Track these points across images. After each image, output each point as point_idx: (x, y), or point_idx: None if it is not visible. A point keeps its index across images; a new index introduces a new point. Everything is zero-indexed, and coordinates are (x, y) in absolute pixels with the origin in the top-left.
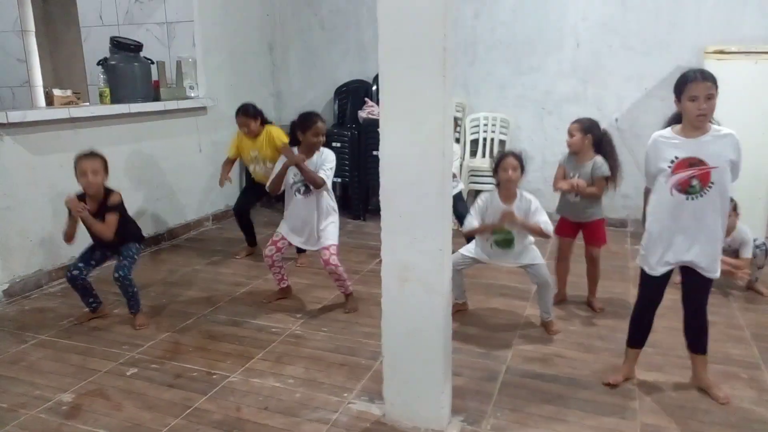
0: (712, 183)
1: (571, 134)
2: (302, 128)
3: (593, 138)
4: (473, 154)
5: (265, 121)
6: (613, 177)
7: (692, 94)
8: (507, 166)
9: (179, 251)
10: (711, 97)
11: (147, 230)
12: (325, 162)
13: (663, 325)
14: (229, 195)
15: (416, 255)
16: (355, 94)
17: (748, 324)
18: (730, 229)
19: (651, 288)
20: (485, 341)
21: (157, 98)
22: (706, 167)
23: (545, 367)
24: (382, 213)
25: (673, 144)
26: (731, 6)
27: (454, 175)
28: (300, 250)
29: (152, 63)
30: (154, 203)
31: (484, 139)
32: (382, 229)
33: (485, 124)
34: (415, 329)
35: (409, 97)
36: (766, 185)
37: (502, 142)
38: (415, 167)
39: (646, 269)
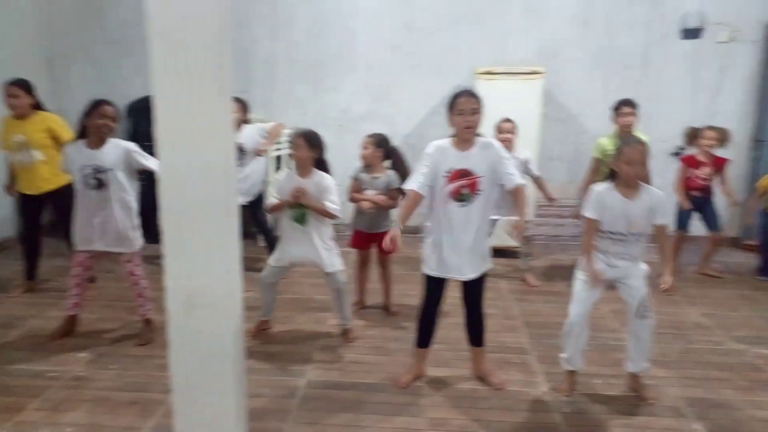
0: (480, 191)
1: (364, 147)
2: (87, 113)
3: (384, 152)
4: (277, 169)
5: (40, 107)
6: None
7: (460, 108)
8: (295, 144)
9: None
10: (475, 112)
11: None
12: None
13: (450, 321)
14: None
15: (203, 279)
16: (150, 111)
17: (520, 313)
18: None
19: (432, 289)
20: (287, 357)
21: None
22: (474, 177)
23: (344, 376)
24: (164, 237)
25: (450, 155)
26: (498, 33)
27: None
28: (91, 280)
29: None
30: None
31: (289, 156)
32: (164, 253)
33: (288, 141)
34: (206, 357)
35: (187, 116)
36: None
37: None
38: (197, 188)
39: (427, 271)
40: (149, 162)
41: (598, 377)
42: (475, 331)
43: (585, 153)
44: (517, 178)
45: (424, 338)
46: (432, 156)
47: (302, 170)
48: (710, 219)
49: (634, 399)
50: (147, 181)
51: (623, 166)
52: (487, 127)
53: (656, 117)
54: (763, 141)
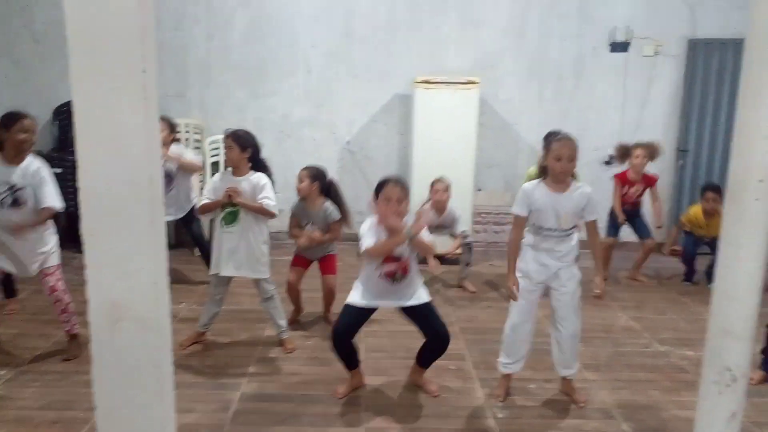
0: (410, 270)
1: (300, 180)
2: (5, 126)
3: (321, 185)
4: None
5: None
6: (345, 219)
7: (387, 196)
8: (226, 145)
9: None
10: (402, 201)
11: None
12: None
13: (388, 329)
14: None
15: (128, 291)
16: None
17: (458, 319)
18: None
19: (353, 317)
20: (221, 370)
21: None
22: (404, 261)
23: (280, 388)
24: (85, 247)
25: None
26: (436, 43)
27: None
28: (10, 295)
29: None
30: None
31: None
32: (86, 265)
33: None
34: (131, 372)
35: (109, 122)
36: (468, 191)
37: None
38: (120, 196)
39: (354, 301)
40: (48, 198)
41: (533, 381)
42: (431, 357)
43: (520, 161)
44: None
45: (348, 362)
46: (369, 228)
47: (237, 171)
48: (641, 229)
49: (566, 402)
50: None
51: (552, 162)
52: (422, 134)
53: (588, 126)
54: (686, 150)
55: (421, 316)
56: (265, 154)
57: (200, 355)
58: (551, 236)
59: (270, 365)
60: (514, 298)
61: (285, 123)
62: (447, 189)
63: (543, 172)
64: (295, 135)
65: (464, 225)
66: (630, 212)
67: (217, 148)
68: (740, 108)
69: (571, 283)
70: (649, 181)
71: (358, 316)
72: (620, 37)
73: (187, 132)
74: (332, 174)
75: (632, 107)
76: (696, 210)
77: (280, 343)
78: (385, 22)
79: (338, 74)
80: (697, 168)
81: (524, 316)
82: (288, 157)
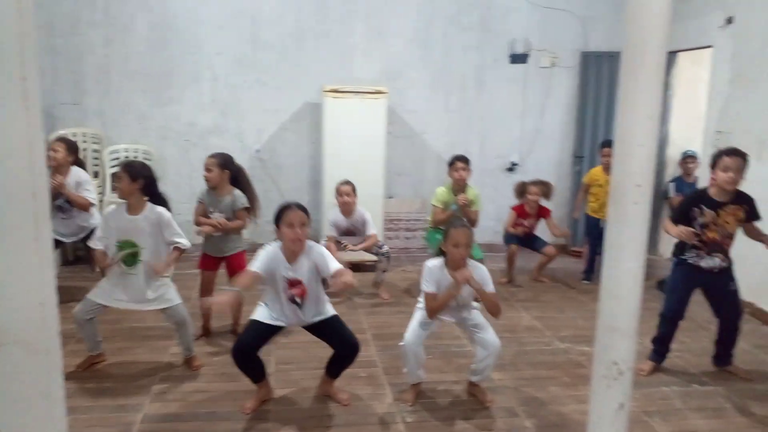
0: (309, 295)
1: (208, 169)
2: None
3: (230, 173)
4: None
5: None
6: (252, 208)
7: (289, 221)
8: (118, 177)
9: None
10: (304, 224)
11: None
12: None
13: (299, 340)
14: None
15: (11, 313)
16: None
17: (370, 326)
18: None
19: (258, 332)
20: (122, 392)
21: None
22: (304, 286)
23: (185, 407)
24: None
25: (282, 265)
26: (344, 53)
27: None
28: None
29: None
30: None
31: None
32: None
33: (126, 156)
34: (18, 400)
35: None
36: (379, 199)
37: None
38: (1, 213)
39: (260, 318)
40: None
41: (441, 384)
42: (340, 368)
43: (429, 169)
44: (335, 265)
45: (254, 376)
46: (267, 259)
47: (131, 207)
48: (537, 243)
49: (473, 402)
50: None
51: (451, 248)
52: (332, 142)
53: (491, 134)
54: (582, 157)
55: (328, 330)
56: (172, 163)
57: (99, 376)
58: (453, 308)
59: (174, 384)
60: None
61: (191, 131)
62: (352, 191)
63: (442, 253)
64: (202, 143)
65: (374, 227)
66: (524, 236)
67: (117, 158)
68: (618, 118)
69: (475, 315)
70: (544, 213)
71: (264, 332)
72: (519, 49)
73: (84, 142)
74: None
75: (532, 116)
76: (596, 169)
77: (186, 361)
78: (293, 30)
79: (246, 82)
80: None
81: (419, 339)
82: (195, 167)
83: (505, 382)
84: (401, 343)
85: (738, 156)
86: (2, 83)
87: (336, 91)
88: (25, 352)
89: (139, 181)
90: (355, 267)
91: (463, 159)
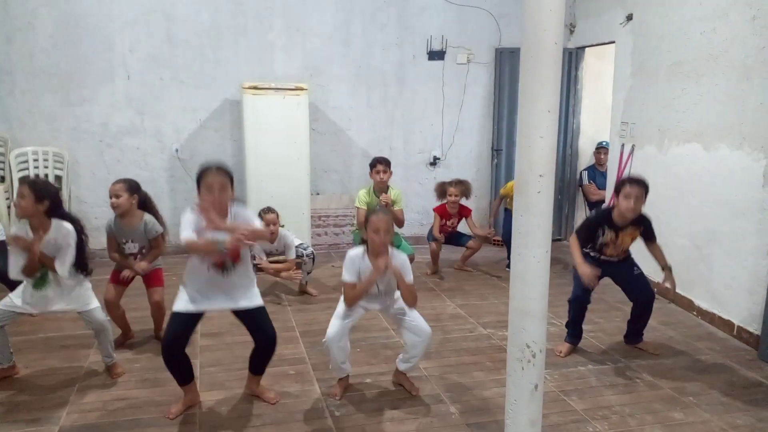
0: (242, 258)
1: (116, 195)
2: None
3: (138, 197)
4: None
5: None
6: (164, 230)
7: (208, 183)
8: (20, 194)
9: None
10: (224, 189)
11: None
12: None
13: (225, 341)
14: None
15: None
16: None
17: (298, 323)
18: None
19: (180, 324)
20: (37, 405)
21: None
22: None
23: (105, 416)
24: None
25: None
26: (262, 49)
27: None
28: None
29: None
30: None
31: (36, 176)
32: None
33: (35, 159)
34: None
35: None
36: (305, 195)
37: (58, 178)
38: None
39: (180, 308)
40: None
41: (369, 376)
42: (262, 362)
43: (355, 164)
44: (258, 224)
45: (181, 376)
46: (193, 224)
47: (34, 227)
48: (461, 239)
49: (401, 392)
50: None
51: (371, 234)
52: (254, 140)
53: (413, 130)
54: (500, 150)
55: (253, 319)
56: (86, 166)
57: (11, 390)
58: (375, 296)
59: (94, 393)
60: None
61: (105, 132)
62: (276, 220)
63: (363, 242)
64: (117, 144)
65: (297, 244)
66: (448, 236)
67: (25, 161)
68: (520, 111)
69: (400, 304)
70: (465, 212)
71: (187, 322)
72: (436, 46)
73: None
74: (163, 183)
75: (451, 111)
76: (511, 184)
77: (107, 369)
78: (209, 27)
79: (162, 80)
80: (510, 165)
81: (342, 331)
82: (112, 168)
83: (431, 371)
84: (323, 340)
85: (638, 185)
86: None
87: (256, 87)
88: None
89: (45, 203)
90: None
91: (384, 161)
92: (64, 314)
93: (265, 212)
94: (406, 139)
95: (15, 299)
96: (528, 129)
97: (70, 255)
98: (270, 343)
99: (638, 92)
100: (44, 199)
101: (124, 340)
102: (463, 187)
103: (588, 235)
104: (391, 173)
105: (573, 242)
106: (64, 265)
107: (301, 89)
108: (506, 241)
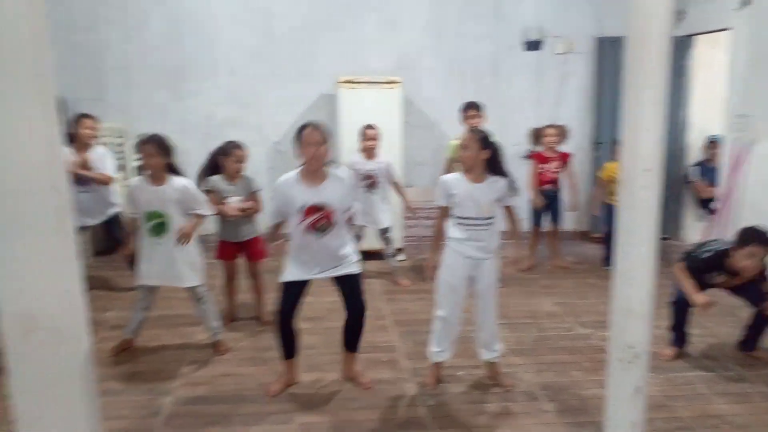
0: (336, 221)
1: (240, 160)
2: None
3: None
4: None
5: None
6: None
7: (306, 140)
8: (146, 152)
9: None
10: (321, 144)
11: None
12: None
13: (324, 325)
14: None
15: (39, 301)
16: None
17: (390, 312)
18: None
19: (289, 295)
20: (152, 376)
21: None
22: (328, 211)
23: (212, 390)
24: None
25: (301, 190)
26: (357, 43)
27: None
28: None
29: None
30: None
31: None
32: None
33: (136, 150)
34: (50, 383)
35: (4, 131)
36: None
37: None
38: (24, 207)
39: (287, 277)
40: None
41: (462, 369)
42: (353, 335)
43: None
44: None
45: (288, 348)
46: (281, 192)
47: (156, 178)
48: (555, 214)
49: (493, 387)
50: None
51: (461, 153)
52: (348, 133)
53: (507, 122)
54: (601, 143)
55: (348, 285)
56: (191, 156)
57: (130, 361)
58: (472, 226)
59: (202, 368)
60: (431, 278)
61: (209, 125)
62: (377, 136)
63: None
64: (221, 136)
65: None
66: (550, 194)
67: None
68: (625, 103)
69: (492, 274)
70: (564, 158)
71: (295, 290)
72: (533, 36)
73: (108, 136)
74: (263, 174)
75: (547, 103)
76: (611, 165)
77: (213, 345)
78: (305, 22)
79: (262, 74)
80: (612, 158)
81: (452, 308)
82: None
83: (526, 367)
84: (436, 314)
85: (765, 245)
86: (17, 80)
87: (350, 81)
88: (55, 339)
89: (168, 156)
90: (370, 255)
91: (475, 105)
92: (176, 293)
93: (366, 127)
94: (499, 131)
95: (143, 275)
96: (633, 122)
97: (199, 196)
98: (359, 314)
99: (756, 83)
100: (167, 152)
101: (229, 321)
102: (560, 129)
103: (698, 277)
104: (483, 117)
105: (680, 272)
106: (203, 206)
107: (395, 83)
108: (605, 238)
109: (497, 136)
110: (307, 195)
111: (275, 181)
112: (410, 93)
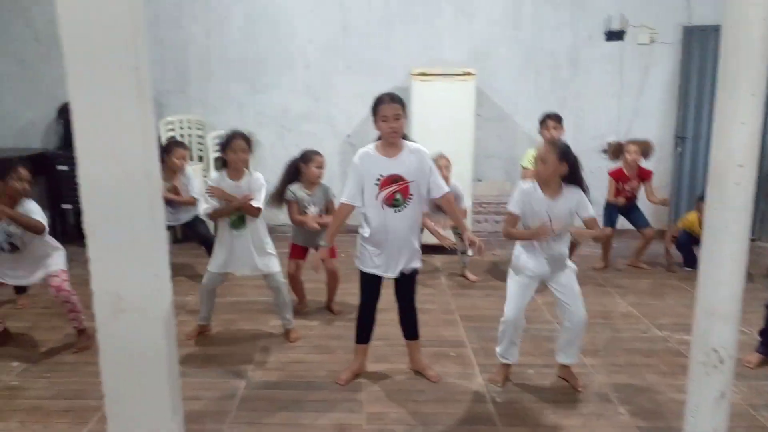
0: (411, 195)
1: (320, 166)
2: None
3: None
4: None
5: None
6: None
7: (383, 114)
8: (238, 147)
9: None
10: (398, 117)
11: None
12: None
13: (391, 317)
14: None
15: (129, 283)
16: None
17: (457, 308)
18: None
19: (368, 285)
20: (227, 360)
21: None
22: (405, 182)
23: (284, 376)
24: (88, 241)
25: (379, 162)
26: (431, 35)
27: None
28: (20, 290)
29: None
30: None
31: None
32: (90, 258)
33: (220, 144)
34: (136, 361)
35: (105, 119)
36: (468, 181)
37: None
38: (119, 192)
39: (363, 268)
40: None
41: (531, 367)
42: (409, 324)
43: (519, 150)
44: (444, 188)
45: (364, 334)
46: (359, 165)
47: (236, 172)
48: (638, 219)
49: (565, 387)
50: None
51: (539, 164)
52: (420, 125)
53: (586, 115)
54: (684, 137)
55: (408, 282)
56: (267, 148)
57: (206, 345)
58: (546, 247)
59: (274, 354)
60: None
61: (285, 117)
62: (448, 165)
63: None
64: (296, 129)
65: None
66: (626, 206)
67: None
68: (719, 95)
69: (567, 276)
70: (645, 175)
71: (375, 281)
72: (615, 26)
73: (189, 128)
74: (335, 167)
75: (629, 95)
76: (693, 217)
77: (285, 333)
78: (380, 15)
79: (336, 68)
80: (695, 154)
81: (519, 310)
82: (289, 152)
83: (598, 368)
84: (502, 319)
85: None
86: (118, 73)
87: (424, 74)
88: (142, 319)
89: (252, 152)
90: (437, 249)
91: (555, 117)
92: (250, 280)
93: (438, 157)
94: (577, 124)
95: (219, 264)
96: (727, 114)
97: (264, 194)
98: (410, 301)
99: None
100: (253, 149)
101: (300, 309)
102: (644, 145)
103: None
104: (563, 130)
105: None
106: (260, 201)
107: (469, 74)
108: (682, 248)
109: (574, 131)
110: (384, 166)
111: (346, 173)
112: (483, 85)
